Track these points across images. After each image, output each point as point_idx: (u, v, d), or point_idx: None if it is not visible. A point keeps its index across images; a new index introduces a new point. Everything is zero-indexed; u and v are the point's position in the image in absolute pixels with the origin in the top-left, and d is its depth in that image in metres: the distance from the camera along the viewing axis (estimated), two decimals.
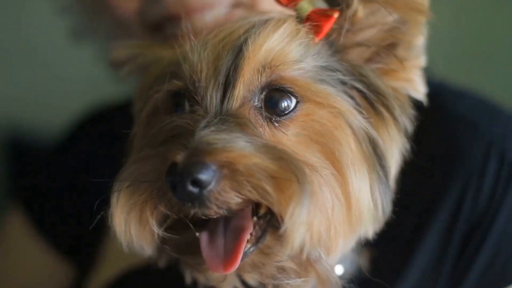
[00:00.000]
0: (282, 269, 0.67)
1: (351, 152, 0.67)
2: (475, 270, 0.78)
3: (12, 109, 2.22)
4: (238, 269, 0.65)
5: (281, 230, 0.62)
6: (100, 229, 0.96)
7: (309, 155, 0.66)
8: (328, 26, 0.68)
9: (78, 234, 1.02)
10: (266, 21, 0.68)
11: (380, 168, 0.69)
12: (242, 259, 0.65)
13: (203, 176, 0.60)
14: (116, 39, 0.97)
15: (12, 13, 2.22)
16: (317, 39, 0.69)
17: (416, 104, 0.74)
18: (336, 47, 0.70)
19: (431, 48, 0.75)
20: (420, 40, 0.71)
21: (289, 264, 0.67)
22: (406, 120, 0.72)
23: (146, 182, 0.64)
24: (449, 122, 0.82)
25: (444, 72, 0.86)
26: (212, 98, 0.66)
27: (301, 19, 0.69)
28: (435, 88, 0.78)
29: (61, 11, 1.04)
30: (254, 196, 0.62)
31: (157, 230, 0.66)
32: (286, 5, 0.71)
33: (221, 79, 0.66)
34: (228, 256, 0.64)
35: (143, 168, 0.66)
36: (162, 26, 0.84)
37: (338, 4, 0.69)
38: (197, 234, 0.66)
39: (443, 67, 0.84)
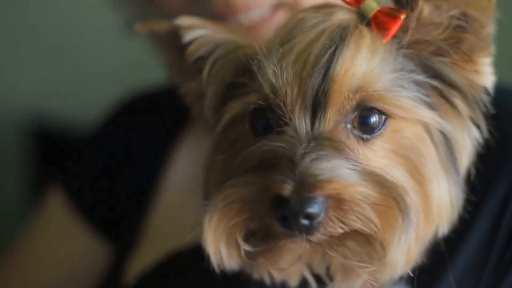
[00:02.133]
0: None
1: (433, 163, 0.68)
2: None
3: (38, 99, 2.25)
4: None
5: (385, 259, 0.64)
6: (140, 209, 0.99)
7: (394, 172, 0.67)
8: (395, 28, 0.67)
9: (118, 214, 1.04)
10: (344, 36, 0.67)
11: (454, 168, 0.70)
12: None
13: (314, 210, 0.62)
14: None
15: (38, 4, 2.24)
16: (384, 41, 0.68)
17: None
18: (402, 46, 0.69)
19: None
20: (488, 31, 0.70)
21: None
22: (480, 112, 0.72)
23: (239, 206, 0.66)
24: (499, 120, 0.81)
25: None
26: (301, 119, 0.66)
27: (367, 19, 0.68)
28: None
29: (114, 5, 1.06)
30: (358, 225, 0.64)
31: (243, 246, 0.67)
32: (351, 4, 0.69)
33: (308, 101, 0.66)
34: None
35: (240, 193, 0.66)
36: None
37: (402, 2, 0.68)
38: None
39: None
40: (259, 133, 0.69)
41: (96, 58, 2.19)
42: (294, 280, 0.72)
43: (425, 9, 0.68)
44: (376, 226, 0.63)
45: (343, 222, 0.63)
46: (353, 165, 0.65)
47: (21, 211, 2.26)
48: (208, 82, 0.74)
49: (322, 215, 0.63)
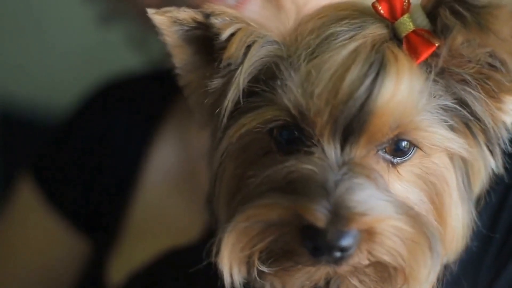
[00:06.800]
0: None
1: (454, 191, 0.69)
2: None
3: (2, 81, 2.17)
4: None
5: None
6: (121, 203, 0.96)
7: (415, 196, 0.68)
8: (427, 54, 0.65)
9: (95, 207, 1.02)
10: (384, 63, 0.64)
11: (468, 198, 0.70)
12: None
13: (348, 244, 0.62)
14: (143, 25, 0.96)
15: None
16: (415, 64, 0.66)
17: None
18: (432, 72, 0.67)
19: None
20: None
21: None
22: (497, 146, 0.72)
23: (263, 227, 0.64)
24: None
25: None
26: (331, 144, 0.65)
27: (399, 39, 0.66)
28: None
29: None
30: (387, 258, 0.64)
31: (260, 267, 0.66)
32: (387, 19, 0.67)
33: (339, 129, 0.64)
34: None
35: (266, 215, 0.65)
36: None
37: (438, 26, 0.66)
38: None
39: None
40: (282, 147, 0.67)
41: (66, 38, 2.11)
42: None
43: (457, 39, 0.65)
44: (404, 260, 0.64)
45: (371, 254, 0.64)
46: (387, 196, 0.65)
47: None
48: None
49: (354, 248, 0.63)
